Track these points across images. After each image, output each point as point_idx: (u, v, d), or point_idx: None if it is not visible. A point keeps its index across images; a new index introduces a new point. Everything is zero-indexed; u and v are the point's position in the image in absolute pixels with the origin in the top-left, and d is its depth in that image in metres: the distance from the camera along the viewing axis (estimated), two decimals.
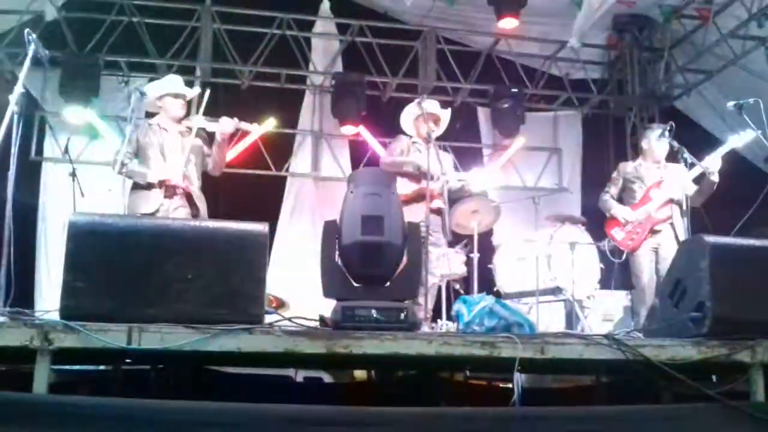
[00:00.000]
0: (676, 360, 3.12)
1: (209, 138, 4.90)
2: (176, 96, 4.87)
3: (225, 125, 4.79)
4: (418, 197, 5.08)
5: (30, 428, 2.55)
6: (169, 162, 4.72)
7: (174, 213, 4.63)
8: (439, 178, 5.26)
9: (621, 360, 3.11)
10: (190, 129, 4.80)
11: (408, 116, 5.52)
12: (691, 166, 5.03)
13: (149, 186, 4.64)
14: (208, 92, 4.94)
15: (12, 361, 3.30)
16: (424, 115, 5.33)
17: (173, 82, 5.02)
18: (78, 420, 2.59)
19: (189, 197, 4.72)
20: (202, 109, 4.85)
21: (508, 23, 7.16)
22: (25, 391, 2.74)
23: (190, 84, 7.41)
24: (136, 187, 4.72)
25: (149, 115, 5.28)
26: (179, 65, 7.53)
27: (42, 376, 2.67)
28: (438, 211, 5.19)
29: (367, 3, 7.97)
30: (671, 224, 5.31)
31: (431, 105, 5.49)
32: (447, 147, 5.59)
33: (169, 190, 4.65)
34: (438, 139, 5.60)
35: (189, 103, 5.09)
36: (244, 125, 4.88)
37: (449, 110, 5.55)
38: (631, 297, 6.11)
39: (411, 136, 5.49)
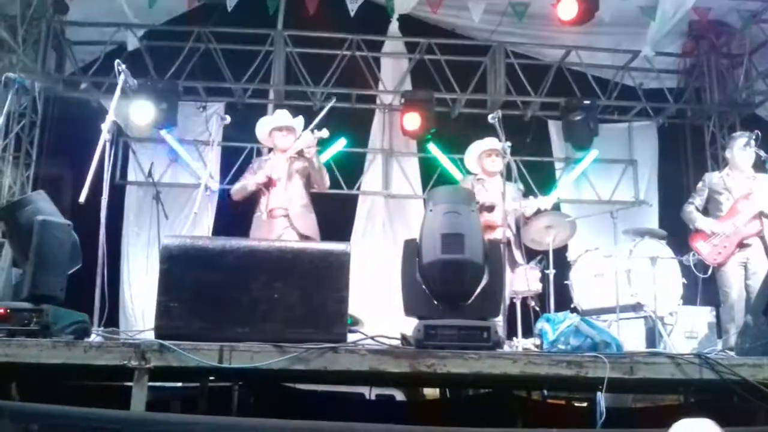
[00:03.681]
0: None
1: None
2: (280, 129, 5.34)
3: (306, 139, 5.18)
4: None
5: None
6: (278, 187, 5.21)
7: (284, 233, 5.14)
8: (493, 208, 5.31)
9: (714, 380, 3.00)
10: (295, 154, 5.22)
11: (472, 155, 5.77)
12: None
13: (261, 215, 5.20)
14: (333, 101, 5.64)
15: (105, 378, 3.44)
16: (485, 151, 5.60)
17: (278, 115, 5.45)
18: None
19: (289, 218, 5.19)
20: (319, 118, 5.32)
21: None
22: (119, 406, 2.85)
23: (263, 108, 7.68)
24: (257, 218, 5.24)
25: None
26: (254, 89, 7.77)
27: (140, 394, 2.78)
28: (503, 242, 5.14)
29: (434, 21, 7.98)
30: (761, 237, 5.10)
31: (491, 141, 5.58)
32: (515, 177, 5.55)
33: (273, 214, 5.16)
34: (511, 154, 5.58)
35: None
36: (318, 133, 5.18)
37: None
38: (716, 313, 5.87)
39: (476, 174, 5.70)
